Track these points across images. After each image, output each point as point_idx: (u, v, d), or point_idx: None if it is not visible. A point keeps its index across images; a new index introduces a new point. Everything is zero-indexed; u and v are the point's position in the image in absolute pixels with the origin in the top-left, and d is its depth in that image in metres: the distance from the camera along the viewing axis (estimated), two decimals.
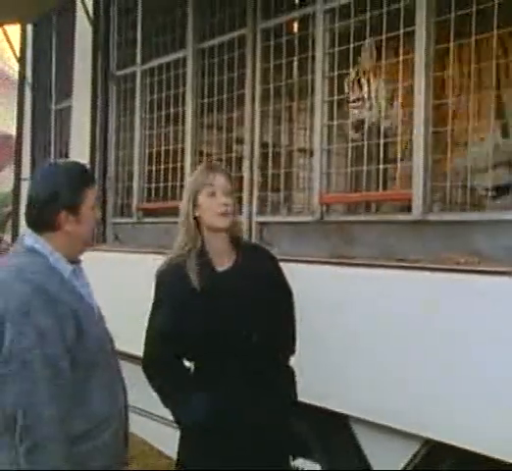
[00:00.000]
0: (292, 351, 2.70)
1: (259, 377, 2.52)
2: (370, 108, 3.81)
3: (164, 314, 2.54)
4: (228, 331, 2.49)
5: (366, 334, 3.17)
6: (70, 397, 2.03)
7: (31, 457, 1.93)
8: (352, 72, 3.83)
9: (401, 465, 3.12)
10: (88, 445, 2.08)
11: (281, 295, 2.66)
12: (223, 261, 2.57)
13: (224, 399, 2.47)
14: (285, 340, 2.68)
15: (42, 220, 2.12)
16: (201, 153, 4.75)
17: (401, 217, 3.40)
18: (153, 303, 2.61)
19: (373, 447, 3.29)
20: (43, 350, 1.96)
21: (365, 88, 3.83)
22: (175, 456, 2.69)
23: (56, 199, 2.10)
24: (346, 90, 3.88)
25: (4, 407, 1.96)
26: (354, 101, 3.88)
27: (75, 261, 2.21)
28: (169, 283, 2.58)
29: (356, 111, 3.87)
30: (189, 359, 2.62)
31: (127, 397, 2.30)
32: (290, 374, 2.68)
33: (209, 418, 2.46)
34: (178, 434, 2.64)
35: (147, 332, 2.57)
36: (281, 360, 2.66)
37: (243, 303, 2.52)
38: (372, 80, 3.79)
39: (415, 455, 3.07)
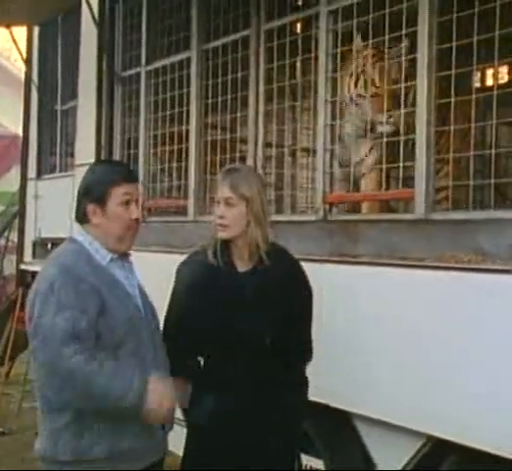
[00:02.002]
0: (308, 358, 2.68)
1: (268, 381, 2.52)
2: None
3: (180, 306, 2.58)
4: (240, 331, 2.49)
5: (369, 331, 3.19)
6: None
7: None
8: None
9: (404, 461, 3.14)
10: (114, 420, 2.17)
11: (300, 301, 2.64)
12: (244, 262, 2.57)
13: (229, 402, 2.48)
14: (300, 345, 2.65)
15: (78, 212, 2.35)
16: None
17: (404, 216, 3.42)
18: (171, 294, 2.64)
19: (376, 444, 3.31)
20: (66, 322, 2.09)
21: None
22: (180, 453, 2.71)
23: (86, 193, 2.32)
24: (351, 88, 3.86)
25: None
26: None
27: (122, 254, 2.36)
28: (188, 275, 2.61)
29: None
30: (201, 355, 2.63)
31: None
32: (303, 383, 2.66)
33: (212, 421, 2.47)
34: (184, 431, 2.67)
35: (165, 322, 2.58)
36: (294, 368, 2.64)
37: (259, 305, 2.52)
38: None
39: (417, 452, 3.09)
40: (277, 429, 2.54)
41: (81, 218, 2.34)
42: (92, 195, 2.30)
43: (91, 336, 2.14)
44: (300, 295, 2.64)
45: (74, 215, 2.38)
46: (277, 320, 2.53)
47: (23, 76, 7.83)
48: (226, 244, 2.56)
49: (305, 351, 2.68)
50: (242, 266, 2.57)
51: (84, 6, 5.51)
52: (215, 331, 2.50)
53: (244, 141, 4.39)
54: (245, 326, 2.49)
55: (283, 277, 2.58)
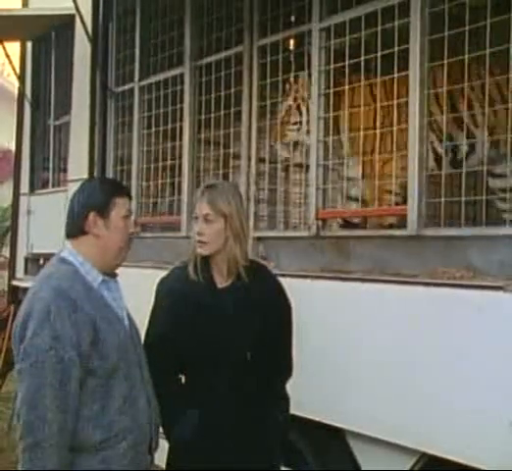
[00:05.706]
0: (288, 374, 2.68)
1: (248, 397, 2.52)
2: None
3: (160, 322, 2.57)
4: (221, 347, 2.49)
5: (361, 348, 3.18)
6: (79, 407, 2.09)
7: (29, 454, 2.03)
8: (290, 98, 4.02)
9: None
10: (105, 454, 2.13)
11: (280, 317, 2.66)
12: (224, 278, 2.58)
13: (211, 417, 2.47)
14: (280, 360, 2.66)
15: (75, 225, 2.26)
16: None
17: (396, 232, 3.42)
18: (152, 310, 2.63)
19: (369, 461, 3.29)
20: (57, 353, 2.05)
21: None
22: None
23: (86, 203, 2.25)
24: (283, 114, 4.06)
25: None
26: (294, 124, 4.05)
27: (109, 274, 2.30)
28: (168, 292, 2.61)
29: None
30: (181, 371, 2.62)
31: (153, 411, 2.31)
32: (284, 398, 2.67)
33: (194, 437, 2.46)
34: (166, 445, 2.64)
35: (145, 339, 2.56)
36: (274, 383, 2.64)
37: (238, 320, 2.53)
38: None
39: (411, 468, 3.07)
40: (259, 444, 2.54)
41: (77, 230, 2.25)
42: (95, 204, 2.23)
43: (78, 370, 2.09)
44: (279, 311, 2.65)
45: (65, 230, 2.30)
46: (256, 335, 2.54)
47: (16, 91, 7.84)
48: (206, 260, 2.58)
49: (285, 367, 2.68)
50: (221, 281, 2.58)
51: (78, 22, 5.53)
52: (195, 346, 2.50)
53: (237, 157, 4.40)
54: (225, 341, 2.50)
55: (262, 292, 2.59)
